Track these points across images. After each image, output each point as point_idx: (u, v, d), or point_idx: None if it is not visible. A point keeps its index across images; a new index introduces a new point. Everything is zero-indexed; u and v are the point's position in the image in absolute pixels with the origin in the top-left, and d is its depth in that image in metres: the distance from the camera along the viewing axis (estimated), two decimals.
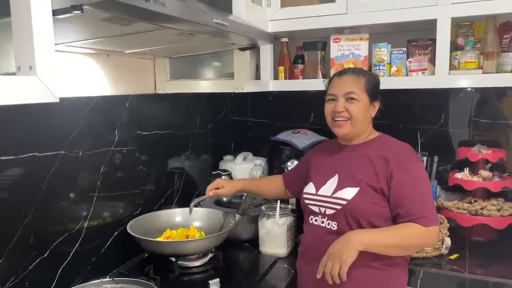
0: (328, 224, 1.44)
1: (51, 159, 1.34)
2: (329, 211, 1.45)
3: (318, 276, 1.30)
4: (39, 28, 0.77)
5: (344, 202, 1.41)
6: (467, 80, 1.73)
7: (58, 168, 1.36)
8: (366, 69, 1.83)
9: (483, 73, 1.71)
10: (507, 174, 1.87)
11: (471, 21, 1.83)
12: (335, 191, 1.46)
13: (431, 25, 1.73)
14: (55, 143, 1.36)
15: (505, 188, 1.81)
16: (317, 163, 1.61)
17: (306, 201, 1.53)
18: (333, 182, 1.48)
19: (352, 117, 1.44)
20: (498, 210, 1.77)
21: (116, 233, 1.62)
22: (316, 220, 1.49)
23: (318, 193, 1.50)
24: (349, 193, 1.41)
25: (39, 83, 0.78)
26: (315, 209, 1.50)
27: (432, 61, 1.80)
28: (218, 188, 1.68)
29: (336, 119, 1.46)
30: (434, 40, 1.76)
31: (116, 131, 1.63)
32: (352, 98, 1.43)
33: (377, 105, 1.50)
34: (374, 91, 1.48)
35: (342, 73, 1.51)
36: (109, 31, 1.12)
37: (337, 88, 1.47)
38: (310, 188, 1.55)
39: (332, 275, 1.26)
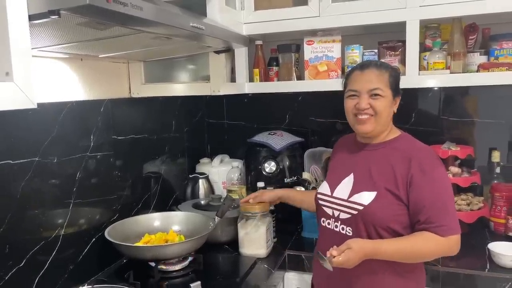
0: (342, 229, 1.38)
1: (25, 166, 1.31)
2: (343, 215, 1.38)
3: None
4: (15, 33, 0.76)
5: (361, 208, 1.33)
6: (436, 80, 1.80)
7: (32, 175, 1.33)
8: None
9: (450, 73, 1.77)
10: (475, 169, 1.95)
11: (438, 23, 1.90)
12: (351, 194, 1.38)
13: (400, 27, 1.79)
14: (29, 150, 1.33)
15: (474, 183, 1.88)
16: (334, 162, 1.56)
17: (320, 202, 1.47)
18: (348, 182, 1.41)
19: (377, 113, 1.34)
20: (468, 204, 1.84)
21: (94, 239, 1.60)
22: (329, 224, 1.42)
23: (334, 194, 1.43)
24: (366, 197, 1.33)
25: (16, 89, 0.77)
26: (329, 211, 1.43)
27: (403, 61, 1.86)
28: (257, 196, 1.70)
29: (359, 116, 1.36)
30: (404, 42, 1.82)
31: (92, 136, 1.60)
32: (376, 94, 1.34)
33: (398, 100, 1.41)
34: (397, 86, 1.39)
35: (363, 66, 1.39)
36: (84, 36, 1.11)
37: (360, 83, 1.36)
38: (324, 188, 1.48)
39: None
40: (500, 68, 1.72)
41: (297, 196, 1.75)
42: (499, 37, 1.80)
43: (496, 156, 1.95)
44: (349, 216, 1.36)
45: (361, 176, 1.40)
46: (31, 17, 0.79)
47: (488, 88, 1.91)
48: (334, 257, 1.20)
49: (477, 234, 1.84)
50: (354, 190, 1.38)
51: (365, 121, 1.36)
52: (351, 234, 1.35)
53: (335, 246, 1.23)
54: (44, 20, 0.81)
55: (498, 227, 1.85)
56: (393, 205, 1.31)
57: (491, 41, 1.84)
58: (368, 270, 1.31)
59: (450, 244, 1.27)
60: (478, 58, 1.82)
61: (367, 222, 1.32)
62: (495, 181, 1.93)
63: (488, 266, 1.57)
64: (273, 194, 1.72)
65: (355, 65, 1.90)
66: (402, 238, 1.29)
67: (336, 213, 1.40)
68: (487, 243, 1.66)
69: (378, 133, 1.40)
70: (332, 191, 1.45)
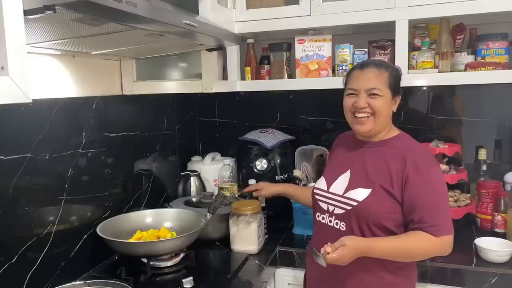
0: (337, 224, 1.39)
1: (17, 162, 1.31)
2: (338, 211, 1.39)
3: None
4: (10, 28, 0.77)
5: (355, 203, 1.34)
6: (425, 79, 1.83)
7: (24, 171, 1.33)
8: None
9: (438, 72, 1.81)
10: (463, 167, 1.98)
11: (426, 23, 1.93)
12: (346, 190, 1.39)
13: (390, 26, 1.82)
14: (21, 146, 1.33)
15: (461, 181, 1.92)
16: (332, 158, 1.57)
17: (316, 197, 1.48)
18: (344, 178, 1.42)
19: (375, 112, 1.34)
20: (455, 201, 1.88)
21: (86, 236, 1.60)
22: (323, 218, 1.44)
23: (330, 190, 1.44)
24: (361, 194, 1.35)
25: (11, 83, 0.78)
26: (324, 206, 1.44)
27: (392, 61, 1.88)
28: (257, 190, 1.74)
29: (357, 115, 1.37)
30: (393, 41, 1.85)
31: (84, 133, 1.61)
32: (374, 94, 1.34)
33: (398, 99, 1.41)
34: (397, 86, 1.39)
35: (363, 66, 1.39)
36: (79, 32, 1.12)
37: (359, 82, 1.36)
38: (321, 183, 1.49)
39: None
40: (486, 67, 1.75)
41: (296, 192, 1.80)
42: (486, 37, 1.84)
43: (482, 154, 1.98)
44: (343, 211, 1.38)
45: (357, 173, 1.41)
46: (26, 12, 0.80)
47: (475, 87, 1.95)
48: (328, 253, 1.21)
49: (464, 230, 1.86)
50: (350, 186, 1.39)
51: (364, 121, 1.37)
52: (344, 229, 1.37)
53: (329, 243, 1.24)
54: (39, 15, 0.81)
55: (485, 223, 1.89)
56: (387, 203, 1.32)
57: (478, 41, 1.87)
58: (360, 267, 1.32)
59: (443, 244, 1.28)
60: (466, 58, 1.85)
61: (360, 218, 1.34)
62: (482, 179, 1.96)
63: (474, 261, 1.60)
64: (273, 190, 1.78)
65: (346, 64, 1.95)
66: (395, 237, 1.31)
67: (331, 208, 1.42)
68: (474, 238, 1.69)
69: (377, 132, 1.41)
70: (328, 187, 1.46)
